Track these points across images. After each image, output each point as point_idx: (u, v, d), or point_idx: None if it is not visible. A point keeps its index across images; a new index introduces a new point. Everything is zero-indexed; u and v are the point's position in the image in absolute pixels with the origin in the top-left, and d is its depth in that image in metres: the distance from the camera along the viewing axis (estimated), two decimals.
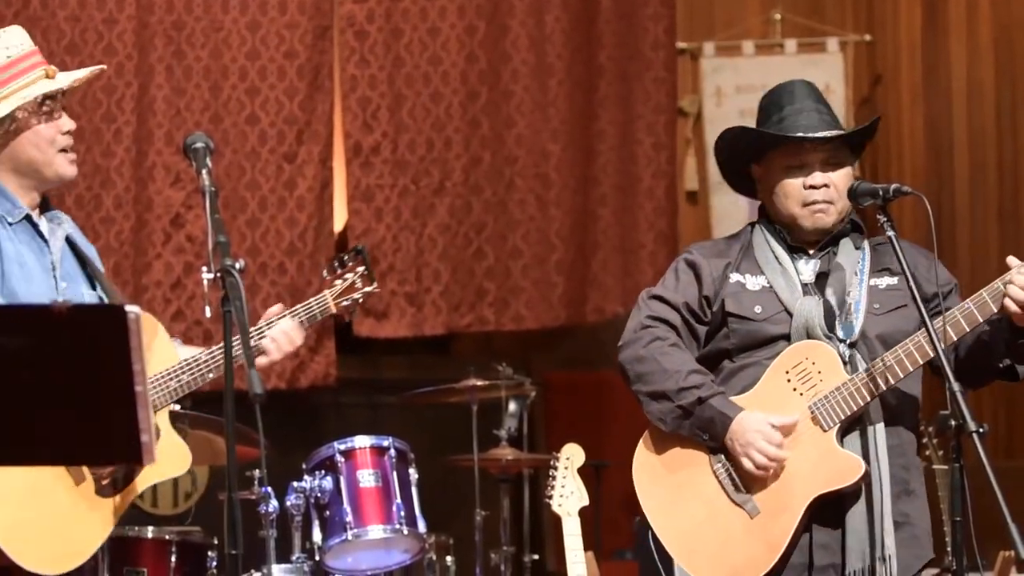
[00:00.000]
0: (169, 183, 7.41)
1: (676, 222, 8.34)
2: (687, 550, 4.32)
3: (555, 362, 8.76)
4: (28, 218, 4.09)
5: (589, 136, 8.19)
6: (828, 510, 4.23)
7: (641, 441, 4.41)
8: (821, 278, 4.35)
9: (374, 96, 7.74)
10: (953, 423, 3.93)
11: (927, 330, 4.03)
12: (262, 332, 4.19)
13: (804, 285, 4.34)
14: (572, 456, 5.08)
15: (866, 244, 4.40)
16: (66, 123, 4.11)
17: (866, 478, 4.19)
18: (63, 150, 4.09)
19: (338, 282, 4.44)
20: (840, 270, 4.34)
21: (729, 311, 4.35)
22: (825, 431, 4.23)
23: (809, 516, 4.22)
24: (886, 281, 4.35)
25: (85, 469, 3.88)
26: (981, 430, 3.90)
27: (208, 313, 3.84)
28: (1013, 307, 4.11)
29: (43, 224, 4.13)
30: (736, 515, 4.27)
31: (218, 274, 3.60)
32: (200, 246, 7.29)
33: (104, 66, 4.42)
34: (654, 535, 4.37)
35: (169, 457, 3.98)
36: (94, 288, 4.17)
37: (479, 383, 6.58)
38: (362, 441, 5.62)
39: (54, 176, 4.10)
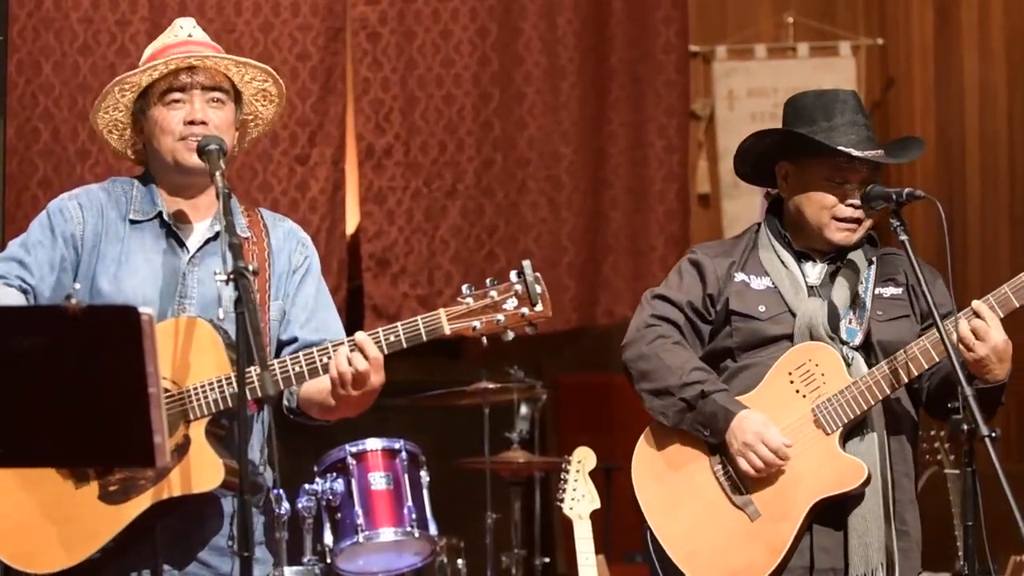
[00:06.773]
0: None
1: (688, 225, 8.33)
2: (686, 552, 4.31)
3: (566, 365, 8.76)
4: (161, 217, 4.03)
5: (601, 139, 8.18)
6: (830, 513, 4.23)
7: (641, 440, 4.42)
8: (828, 282, 4.35)
9: (386, 98, 7.74)
10: (965, 427, 3.94)
11: (940, 336, 4.04)
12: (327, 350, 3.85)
13: (810, 287, 4.34)
14: (583, 459, 5.08)
15: (874, 254, 4.41)
16: (190, 112, 3.97)
17: (869, 483, 4.19)
18: (184, 138, 3.97)
19: (470, 300, 3.92)
20: (850, 275, 4.34)
21: (733, 309, 4.35)
22: (828, 434, 4.23)
23: (810, 519, 4.23)
24: (891, 291, 4.36)
25: (91, 471, 3.78)
26: (993, 434, 3.91)
27: (221, 315, 3.84)
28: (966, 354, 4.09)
29: (187, 228, 4.03)
30: (736, 517, 4.27)
31: (231, 276, 3.60)
32: None
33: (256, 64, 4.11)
34: (653, 535, 4.37)
35: (197, 471, 3.80)
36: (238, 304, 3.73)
37: (490, 386, 6.58)
38: (373, 443, 5.60)
39: (174, 164, 4.00)
